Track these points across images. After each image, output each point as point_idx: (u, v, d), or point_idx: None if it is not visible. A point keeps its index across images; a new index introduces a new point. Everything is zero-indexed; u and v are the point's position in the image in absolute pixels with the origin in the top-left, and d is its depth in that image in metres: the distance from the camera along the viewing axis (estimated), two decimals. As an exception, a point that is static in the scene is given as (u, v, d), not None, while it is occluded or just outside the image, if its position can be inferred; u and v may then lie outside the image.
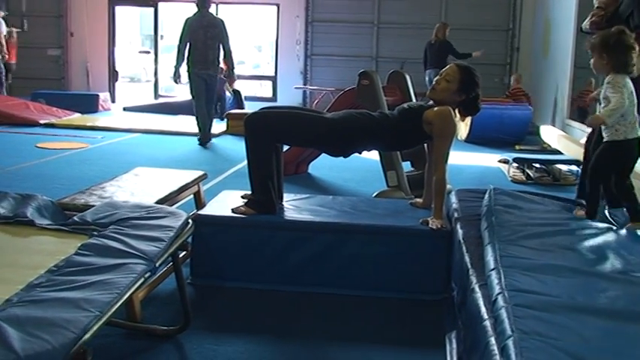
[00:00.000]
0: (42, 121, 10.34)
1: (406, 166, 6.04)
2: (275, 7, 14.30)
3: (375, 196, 5.55)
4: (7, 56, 11.65)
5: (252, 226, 3.73)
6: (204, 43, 8.57)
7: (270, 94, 14.77)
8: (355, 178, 6.84)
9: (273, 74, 14.96)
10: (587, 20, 4.99)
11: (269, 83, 15.07)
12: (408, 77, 6.57)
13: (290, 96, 14.18)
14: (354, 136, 3.89)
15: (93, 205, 3.08)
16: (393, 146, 4.46)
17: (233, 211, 3.77)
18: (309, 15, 14.18)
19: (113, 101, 14.30)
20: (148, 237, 2.58)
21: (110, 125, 10.26)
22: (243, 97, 12.75)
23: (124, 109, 13.15)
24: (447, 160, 3.83)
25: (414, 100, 6.38)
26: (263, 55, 21.53)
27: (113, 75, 15.32)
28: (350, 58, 13.86)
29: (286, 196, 4.16)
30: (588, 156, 4.06)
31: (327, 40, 14.24)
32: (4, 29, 11.60)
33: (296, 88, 14.12)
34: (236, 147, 8.87)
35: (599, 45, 3.57)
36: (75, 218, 2.88)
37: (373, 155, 6.69)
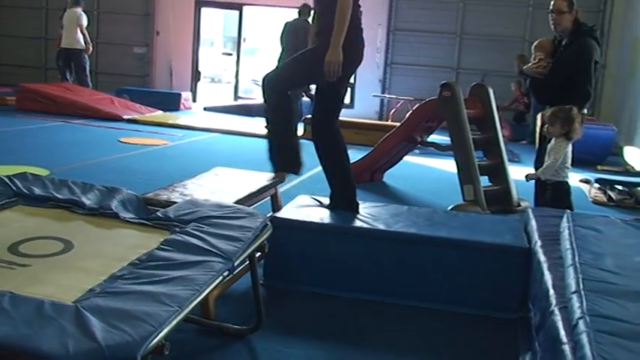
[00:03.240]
0: (125, 117, 10.64)
1: (484, 180, 5.94)
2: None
3: (451, 209, 5.48)
4: (90, 48, 11.99)
5: (327, 232, 3.74)
6: (293, 46, 8.85)
7: (347, 101, 14.78)
8: (431, 189, 6.78)
9: (351, 81, 14.96)
10: (531, 65, 5.40)
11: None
12: (490, 90, 6.47)
13: (367, 103, 14.19)
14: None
15: (175, 202, 3.13)
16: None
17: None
18: (391, 23, 14.15)
19: (194, 100, 14.61)
20: (227, 236, 2.62)
21: (190, 124, 10.48)
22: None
23: (205, 108, 13.41)
24: None
25: (495, 114, 6.28)
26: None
27: (196, 75, 15.65)
28: (430, 68, 13.77)
29: (361, 204, 4.16)
30: None
31: (408, 49, 14.18)
32: (85, 21, 11.95)
33: (374, 96, 14.10)
34: (312, 151, 8.90)
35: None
36: (158, 214, 2.94)
37: (450, 167, 6.63)
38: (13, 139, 8.22)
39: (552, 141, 4.89)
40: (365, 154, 7.04)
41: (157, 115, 11.37)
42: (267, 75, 4.20)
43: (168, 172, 6.38)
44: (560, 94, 5.05)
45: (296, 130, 4.39)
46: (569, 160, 4.94)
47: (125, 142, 8.43)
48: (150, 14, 15.29)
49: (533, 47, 5.67)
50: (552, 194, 4.92)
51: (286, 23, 10.05)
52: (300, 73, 4.22)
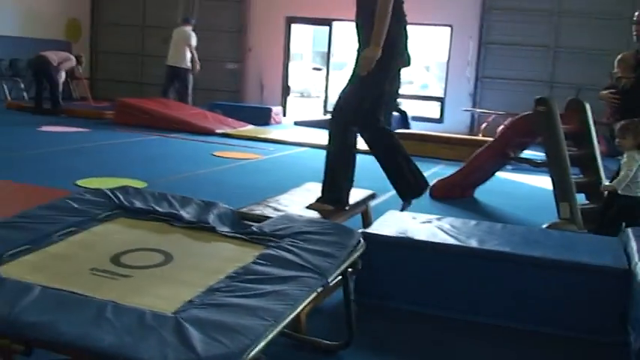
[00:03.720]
0: (218, 131, 10.89)
1: (580, 197, 5.77)
2: (448, 28, 14.22)
3: (546, 228, 5.34)
4: (198, 67, 12.34)
5: (419, 248, 3.71)
6: None
7: (437, 115, 14.68)
8: (524, 206, 6.64)
9: (441, 95, 14.86)
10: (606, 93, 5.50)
11: (436, 104, 14.97)
12: (587, 105, 6.29)
13: (457, 118, 14.04)
14: None
15: (269, 217, 3.19)
16: None
17: (309, 207, 4.05)
18: (483, 37, 13.97)
19: (284, 115, 14.81)
20: (321, 252, 2.64)
21: (281, 138, 10.63)
22: (409, 117, 12.76)
23: (295, 123, 13.58)
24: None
25: (592, 130, 6.10)
26: (430, 76, 21.49)
27: (286, 89, 15.88)
28: (523, 81, 13.50)
29: (452, 220, 4.12)
30: None
31: (500, 62, 13.95)
32: (195, 41, 12.29)
33: (464, 110, 13.94)
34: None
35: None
36: (253, 228, 2.99)
37: (545, 184, 6.47)
38: (111, 152, 8.55)
39: (625, 154, 4.84)
40: (455, 169, 6.97)
41: (249, 129, 11.59)
42: (337, 107, 4.25)
43: (261, 186, 6.49)
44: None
45: (352, 172, 4.36)
46: None
47: (218, 156, 8.62)
48: (242, 31, 15.64)
49: (615, 61, 5.54)
50: (619, 209, 4.84)
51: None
52: (364, 98, 4.24)
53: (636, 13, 5.16)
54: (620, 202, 4.85)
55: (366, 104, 4.24)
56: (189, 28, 12.31)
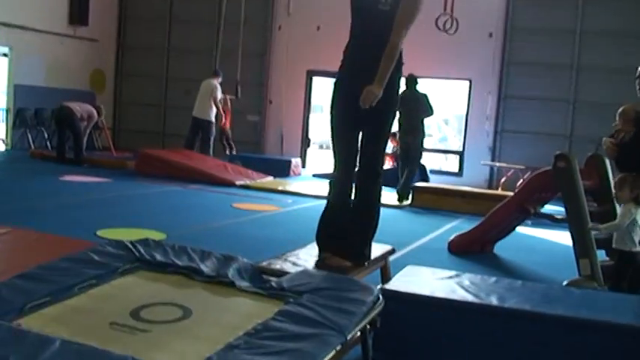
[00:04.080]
0: (238, 183, 10.96)
1: (601, 254, 5.72)
2: (467, 82, 14.34)
3: (566, 285, 5.29)
4: (223, 121, 12.51)
5: (437, 305, 3.68)
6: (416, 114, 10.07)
7: (455, 169, 14.68)
8: (544, 262, 6.58)
9: (460, 148, 14.89)
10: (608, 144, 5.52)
11: (455, 157, 15.00)
12: (607, 161, 6.28)
13: (477, 171, 14.03)
14: None
15: (288, 271, 3.20)
16: None
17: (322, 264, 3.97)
18: (502, 91, 14.05)
19: (304, 167, 14.89)
20: (340, 309, 2.64)
21: (300, 190, 10.65)
22: (428, 171, 12.78)
23: (314, 175, 13.63)
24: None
25: (612, 185, 6.07)
26: (449, 129, 21.58)
27: (305, 141, 16.00)
28: (542, 135, 13.51)
29: (471, 276, 4.09)
30: None
31: (519, 116, 13.99)
32: (220, 95, 12.47)
33: (483, 164, 13.93)
34: (420, 219, 8.89)
35: None
36: (272, 283, 3.00)
37: (565, 239, 6.43)
38: (132, 202, 8.62)
39: (622, 206, 4.92)
40: (475, 224, 6.94)
41: (268, 181, 11.65)
42: (372, 167, 4.26)
43: (279, 239, 6.50)
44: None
45: (377, 227, 4.38)
46: (637, 230, 4.86)
47: (238, 208, 8.66)
48: (263, 84, 15.85)
49: (617, 114, 5.58)
50: (617, 264, 4.98)
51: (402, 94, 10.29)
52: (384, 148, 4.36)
53: (639, 68, 5.21)
54: (616, 258, 5.00)
55: (384, 153, 4.31)
56: (216, 81, 12.52)
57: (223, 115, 12.45)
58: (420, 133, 10.27)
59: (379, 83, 3.93)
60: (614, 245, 4.97)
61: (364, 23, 4.14)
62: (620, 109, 5.60)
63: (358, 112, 4.06)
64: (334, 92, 4.27)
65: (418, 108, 10.15)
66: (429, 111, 10.29)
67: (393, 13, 4.01)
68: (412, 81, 10.30)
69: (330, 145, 4.39)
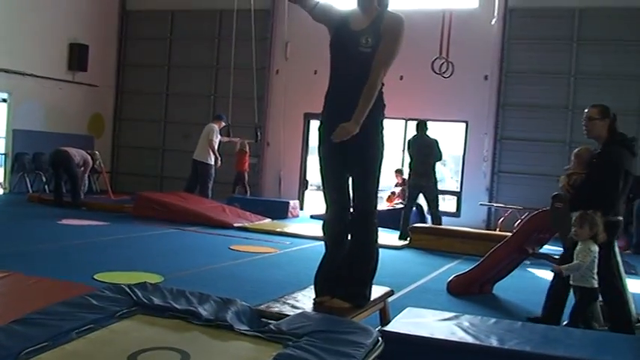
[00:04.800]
0: (236, 225, 10.94)
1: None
2: (464, 124, 14.44)
3: (565, 325, 5.26)
4: (245, 165, 12.71)
5: (438, 347, 3.66)
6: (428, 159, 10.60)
7: (453, 209, 14.69)
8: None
9: (457, 189, 14.93)
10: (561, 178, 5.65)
11: (452, 198, 15.03)
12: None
13: (474, 212, 14.05)
14: None
15: (287, 314, 3.18)
16: None
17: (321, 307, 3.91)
18: (498, 132, 14.15)
19: (301, 208, 14.90)
20: (339, 352, 2.62)
21: (298, 232, 10.64)
22: (425, 211, 12.79)
23: (311, 216, 13.63)
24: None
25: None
26: (446, 170, 21.64)
27: (303, 183, 16.03)
28: (539, 176, 13.56)
29: (470, 318, 4.08)
30: None
31: (516, 157, 14.08)
32: (216, 137, 12.53)
33: (481, 204, 13.96)
34: (419, 260, 8.87)
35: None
36: (271, 326, 2.99)
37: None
38: (129, 245, 8.60)
39: (580, 244, 4.93)
40: (473, 264, 6.93)
41: (266, 223, 11.64)
42: (363, 208, 4.22)
43: (278, 281, 6.48)
44: (590, 200, 5.09)
45: (376, 267, 4.37)
46: (596, 267, 4.94)
47: (235, 250, 8.64)
48: (261, 126, 15.93)
49: (573, 154, 5.66)
50: (579, 302, 5.03)
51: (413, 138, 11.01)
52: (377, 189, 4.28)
53: (586, 110, 5.31)
54: (577, 293, 5.07)
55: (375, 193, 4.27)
56: (217, 125, 12.61)
57: (219, 158, 12.51)
58: (433, 177, 10.72)
59: (356, 121, 3.92)
60: (572, 282, 5.01)
61: (344, 65, 4.14)
62: (576, 150, 5.70)
63: (344, 154, 4.09)
64: (319, 136, 4.29)
65: (429, 153, 10.66)
66: (438, 156, 10.78)
67: (373, 55, 4.03)
68: (423, 126, 10.83)
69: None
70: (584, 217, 4.90)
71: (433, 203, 10.76)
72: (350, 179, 4.24)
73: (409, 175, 10.92)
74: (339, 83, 4.17)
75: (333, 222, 4.26)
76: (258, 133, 13.94)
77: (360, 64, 4.04)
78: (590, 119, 5.24)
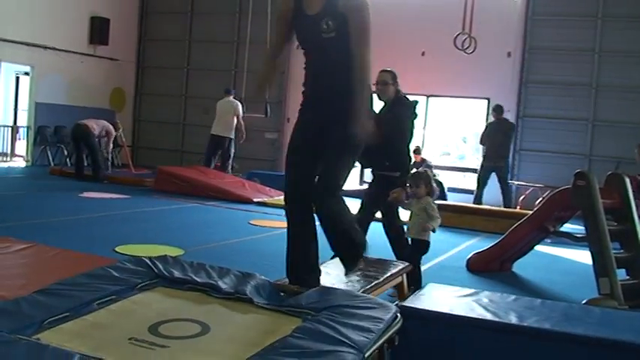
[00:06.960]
0: (255, 200, 10.99)
1: (621, 273, 5.67)
2: (485, 101, 14.31)
3: (586, 304, 5.24)
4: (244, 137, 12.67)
5: (456, 323, 3.65)
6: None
7: (473, 187, 14.59)
8: (563, 281, 6.52)
9: (478, 166, 14.82)
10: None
11: (473, 175, 14.91)
12: (627, 180, 6.23)
13: (495, 190, 13.96)
14: None
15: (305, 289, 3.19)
16: None
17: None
18: (520, 110, 14.01)
19: (321, 184, 14.86)
20: (358, 327, 2.63)
21: (317, 207, 10.64)
22: (446, 189, 12.74)
23: (331, 192, 13.60)
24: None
25: (633, 205, 6.03)
26: (467, 147, 21.50)
27: (322, 159, 16.01)
28: (560, 154, 13.45)
29: (490, 294, 4.06)
30: None
31: (537, 135, 13.93)
32: (241, 112, 12.56)
33: (502, 182, 13.86)
34: (438, 237, 8.81)
35: None
36: (290, 300, 3.00)
37: (584, 258, 6.38)
38: (150, 219, 8.66)
39: (421, 200, 5.19)
40: (493, 242, 6.90)
41: (285, 198, 11.65)
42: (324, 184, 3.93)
43: (296, 256, 6.49)
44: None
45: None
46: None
47: (255, 225, 8.67)
48: (282, 101, 15.91)
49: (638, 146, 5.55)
50: (412, 250, 5.25)
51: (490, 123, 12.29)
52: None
53: (377, 75, 5.49)
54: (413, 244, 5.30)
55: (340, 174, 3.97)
56: (234, 99, 12.63)
57: (245, 132, 12.54)
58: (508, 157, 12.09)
59: (361, 117, 3.70)
60: (413, 236, 5.23)
61: (312, 54, 3.93)
62: None
63: (314, 140, 3.90)
64: (296, 124, 4.10)
65: (511, 135, 12.12)
66: (513, 138, 12.36)
67: (340, 39, 3.73)
68: (500, 110, 11.85)
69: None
70: (419, 175, 5.24)
71: (505, 181, 11.81)
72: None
73: (484, 156, 12.02)
74: (312, 72, 3.97)
75: (296, 208, 4.09)
76: (268, 109, 13.88)
77: (327, 50, 3.81)
78: (384, 84, 5.53)
